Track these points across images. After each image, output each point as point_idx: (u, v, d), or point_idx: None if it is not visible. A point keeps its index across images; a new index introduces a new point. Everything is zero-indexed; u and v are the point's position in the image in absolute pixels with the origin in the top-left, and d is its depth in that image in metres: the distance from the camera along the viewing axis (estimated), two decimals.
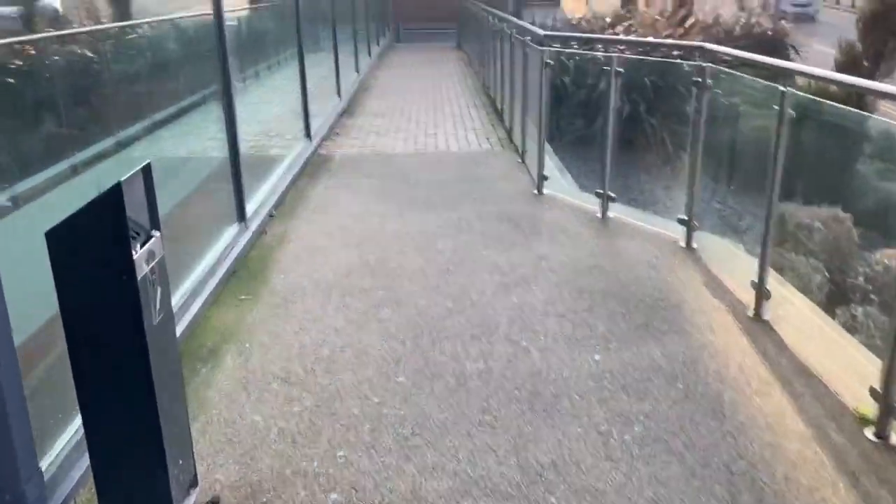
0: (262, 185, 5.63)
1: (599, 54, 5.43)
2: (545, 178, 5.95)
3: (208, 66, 4.50)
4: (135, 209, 2.25)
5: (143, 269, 2.18)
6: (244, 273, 4.44)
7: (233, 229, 4.66)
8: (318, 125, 8.12)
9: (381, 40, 19.14)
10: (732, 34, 14.00)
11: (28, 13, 2.85)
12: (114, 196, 2.07)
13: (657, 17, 12.48)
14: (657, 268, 4.41)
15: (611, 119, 5.17)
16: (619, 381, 3.21)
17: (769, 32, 15.51)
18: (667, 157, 9.88)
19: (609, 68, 5.08)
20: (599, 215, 5.37)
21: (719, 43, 12.63)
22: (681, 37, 11.58)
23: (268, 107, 7.41)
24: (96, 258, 2.12)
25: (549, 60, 5.67)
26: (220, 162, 4.65)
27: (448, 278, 4.30)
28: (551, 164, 6.45)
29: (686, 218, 4.71)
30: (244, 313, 3.90)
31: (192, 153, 4.14)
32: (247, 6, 7.34)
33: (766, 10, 20.29)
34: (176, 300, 3.68)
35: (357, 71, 12.76)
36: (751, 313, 3.80)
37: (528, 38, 6.65)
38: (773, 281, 3.84)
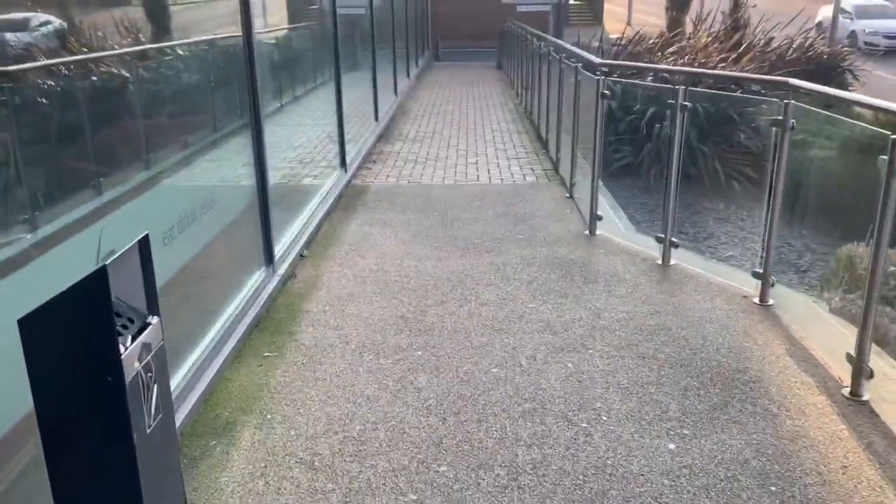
0: (292, 221, 5.25)
1: (664, 86, 4.97)
2: (599, 217, 5.47)
3: (236, 93, 4.14)
4: (128, 290, 1.85)
5: (133, 368, 1.77)
6: (269, 324, 4.04)
7: (258, 275, 4.27)
8: (354, 153, 7.75)
9: (420, 60, 18.87)
10: (784, 58, 13.38)
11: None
12: (98, 280, 1.67)
13: (708, 40, 11.92)
14: (730, 330, 3.90)
15: (675, 157, 4.68)
16: (700, 481, 2.71)
17: (825, 56, 14.86)
18: (720, 191, 9.35)
19: (674, 101, 4.60)
20: (660, 262, 4.87)
21: (772, 67, 12.07)
22: (733, 62, 11.02)
23: (303, 131, 7.07)
24: (76, 353, 1.72)
25: (605, 91, 5.21)
26: (247, 198, 4.27)
27: (493, 338, 3.85)
28: (603, 201, 5.98)
29: (761, 271, 4.20)
30: (267, 375, 3.49)
31: (216, 189, 3.77)
32: (281, 27, 7.02)
33: (824, 34, 19.40)
34: (191, 363, 3.28)
35: (395, 93, 12.44)
36: (846, 392, 3.27)
37: (580, 64, 6.20)
38: (872, 352, 3.32)
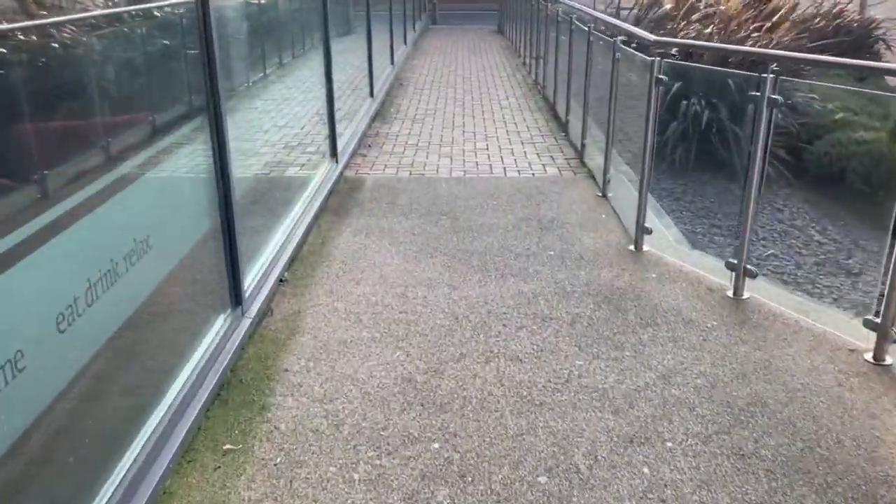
0: (270, 236, 4.22)
1: (746, 74, 3.93)
2: (647, 231, 4.46)
3: (185, 74, 3.09)
4: None
5: None
6: (235, 392, 3.04)
7: (222, 322, 3.26)
8: (347, 137, 6.68)
9: (416, 24, 17.59)
10: (809, 27, 12.22)
11: None
12: None
13: (740, 6, 10.75)
14: (847, 407, 2.93)
15: (758, 165, 3.66)
16: None
17: (854, 24, 13.74)
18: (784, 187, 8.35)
19: (757, 93, 3.57)
20: (730, 292, 3.89)
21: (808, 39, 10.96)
22: (767, 31, 9.90)
23: (288, 107, 6.00)
24: None
25: (661, 76, 4.16)
26: (203, 221, 3.23)
27: (535, 419, 2.86)
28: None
29: (878, 321, 3.22)
30: (227, 487, 2.51)
31: (153, 219, 2.75)
32: None
33: None
34: (117, 476, 2.30)
35: (392, 62, 11.28)
36: None
37: (619, 39, 5.12)
38: None
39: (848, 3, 13.99)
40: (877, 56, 13.43)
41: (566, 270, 4.22)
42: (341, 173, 6.01)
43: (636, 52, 4.88)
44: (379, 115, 8.60)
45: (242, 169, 4.32)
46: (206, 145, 3.13)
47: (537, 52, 10.65)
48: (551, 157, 6.78)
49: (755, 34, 9.79)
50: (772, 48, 9.29)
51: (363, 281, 4.09)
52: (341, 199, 5.52)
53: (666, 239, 4.72)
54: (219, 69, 3.08)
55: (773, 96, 3.53)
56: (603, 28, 6.52)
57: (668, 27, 10.80)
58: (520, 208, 5.30)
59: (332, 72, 5.92)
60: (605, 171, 5.50)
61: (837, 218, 7.08)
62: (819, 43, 10.44)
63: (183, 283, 3.06)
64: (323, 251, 4.53)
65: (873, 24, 13.58)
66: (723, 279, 4.03)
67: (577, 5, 8.70)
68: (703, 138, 7.80)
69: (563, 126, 7.73)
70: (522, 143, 7.28)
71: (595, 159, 6.47)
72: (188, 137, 3.13)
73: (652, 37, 4.59)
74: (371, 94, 8.51)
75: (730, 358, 3.29)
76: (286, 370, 3.20)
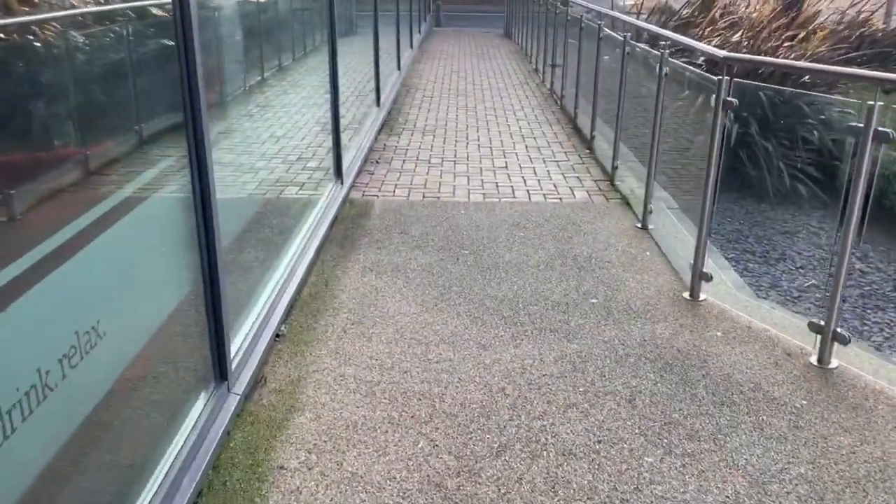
0: (263, 283, 3.57)
1: (845, 100, 3.29)
2: (707, 277, 3.82)
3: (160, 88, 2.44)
4: None
5: None
6: (215, 499, 2.39)
7: (200, 405, 2.60)
8: (352, 155, 6.03)
9: (422, 26, 16.95)
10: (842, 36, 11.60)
11: None
12: None
13: (771, 13, 10.08)
14: None
15: (857, 209, 3.02)
16: None
17: (879, 34, 13.14)
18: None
19: (860, 125, 2.94)
20: (814, 359, 3.25)
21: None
22: (801, 41, 9.27)
23: (287, 115, 5.35)
24: None
25: (731, 98, 3.51)
26: (181, 279, 2.58)
27: None
28: (688, 237, 4.32)
29: None
30: None
31: (114, 276, 2.10)
32: None
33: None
34: None
35: (399, 67, 10.64)
36: None
37: (668, 51, 4.48)
38: None
39: (873, 13, 13.39)
40: None
41: (614, 325, 3.58)
42: (347, 195, 5.36)
43: (690, 68, 4.25)
44: (386, 126, 7.96)
45: (233, 189, 3.69)
46: (184, 181, 2.48)
47: (553, 59, 10.01)
48: (578, 178, 6.13)
49: (787, 43, 9.17)
50: (808, 60, 8.67)
51: (375, 336, 3.44)
52: (347, 227, 4.87)
53: (724, 285, 4.08)
54: (201, 80, 2.43)
55: (883, 129, 2.89)
56: (646, 41, 5.89)
57: (692, 33, 10.17)
58: (551, 242, 4.65)
59: (338, 80, 5.27)
60: (647, 202, 4.85)
61: None
62: (846, 55, 9.83)
63: (150, 360, 2.41)
64: (327, 294, 3.88)
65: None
66: (802, 340, 3.39)
67: (604, 10, 8.08)
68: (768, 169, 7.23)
69: (588, 142, 7.08)
70: (545, 162, 6.63)
71: (625, 181, 5.84)
72: (158, 175, 2.47)
73: (721, 52, 3.93)
74: (378, 102, 7.87)
75: (832, 454, 2.65)
76: (281, 467, 2.55)
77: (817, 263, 5.95)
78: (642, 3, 14.37)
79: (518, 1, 16.79)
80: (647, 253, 4.50)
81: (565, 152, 6.98)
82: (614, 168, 5.90)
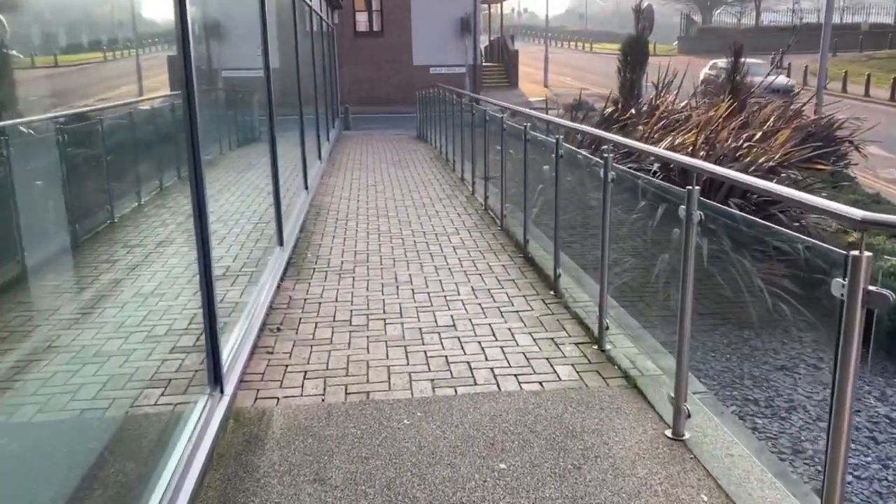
0: None
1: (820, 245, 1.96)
2: None
3: None
4: None
5: None
6: None
7: None
8: (238, 337, 4.22)
9: (330, 133, 15.58)
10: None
11: None
12: None
13: (721, 111, 9.08)
14: None
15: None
16: None
17: (812, 126, 12.57)
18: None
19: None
20: None
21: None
22: (759, 141, 8.27)
23: (143, 278, 3.58)
24: None
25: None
26: None
27: None
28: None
29: None
30: None
31: None
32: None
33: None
34: None
35: (306, 186, 9.05)
36: None
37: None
38: None
39: (804, 105, 12.92)
40: (844, 157, 12.22)
41: None
42: (229, 409, 3.55)
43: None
44: (292, 266, 6.26)
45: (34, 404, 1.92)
46: None
47: (485, 171, 8.67)
48: (552, 340, 4.56)
49: (746, 144, 8.15)
50: (779, 161, 7.63)
51: None
52: (224, 477, 3.06)
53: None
54: None
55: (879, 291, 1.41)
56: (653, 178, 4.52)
57: (638, 134, 9.09)
58: (551, 481, 2.99)
59: (208, 236, 3.54)
60: (679, 394, 3.29)
61: None
62: (814, 152, 8.92)
63: None
64: None
65: (835, 125, 12.43)
66: None
67: (547, 117, 6.83)
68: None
69: (550, 282, 5.58)
70: (502, 314, 5.06)
71: (617, 343, 4.32)
72: None
73: (858, 213, 2.40)
74: (280, 241, 6.16)
75: None
76: None
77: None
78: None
79: (431, 101, 15.74)
80: (705, 498, 2.89)
81: (524, 296, 5.43)
82: (602, 328, 4.36)
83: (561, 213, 5.58)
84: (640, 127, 9.16)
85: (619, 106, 12.84)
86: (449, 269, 6.20)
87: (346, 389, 3.89)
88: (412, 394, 3.82)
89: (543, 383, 3.93)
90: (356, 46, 28.58)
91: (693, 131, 8.20)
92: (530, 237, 6.52)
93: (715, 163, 7.53)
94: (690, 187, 3.02)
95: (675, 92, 11.60)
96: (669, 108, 9.92)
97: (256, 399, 3.78)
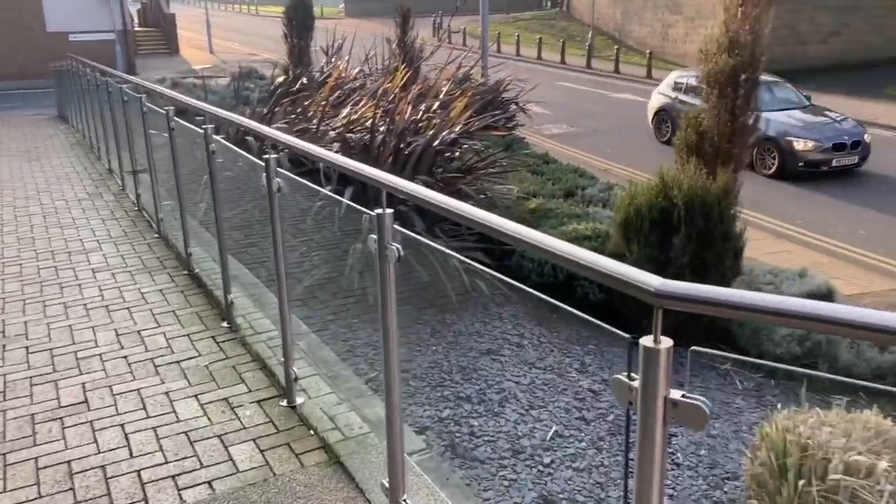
0: None
1: None
2: None
3: None
4: None
5: None
6: None
7: None
8: None
9: None
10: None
11: None
12: None
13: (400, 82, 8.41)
14: None
15: None
16: None
17: (482, 88, 12.80)
18: None
19: None
20: None
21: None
22: (440, 110, 7.83)
23: None
24: None
25: None
26: None
27: None
28: None
29: None
30: None
31: None
32: None
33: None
34: None
35: None
36: None
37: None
38: None
39: (472, 67, 13.04)
40: (512, 119, 12.58)
41: None
42: None
43: None
44: None
45: None
46: None
47: (132, 163, 7.04)
48: (228, 403, 3.41)
49: (426, 116, 7.64)
50: (461, 133, 7.22)
51: None
52: None
53: None
54: None
55: None
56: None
57: (307, 110, 8.12)
58: None
59: None
60: (395, 485, 2.41)
61: None
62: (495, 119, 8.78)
63: None
64: None
65: (502, 87, 12.73)
66: None
67: (194, 102, 5.54)
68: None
69: (223, 309, 4.41)
70: (157, 369, 3.76)
71: (312, 394, 3.37)
72: None
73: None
74: None
75: None
76: None
77: None
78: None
79: (69, 76, 13.13)
80: None
81: (189, 335, 4.18)
82: (291, 379, 3.34)
83: (228, 212, 4.43)
84: (312, 105, 8.19)
85: (290, 74, 11.78)
86: (85, 305, 4.67)
87: None
88: None
89: (214, 483, 2.82)
90: None
91: (371, 105, 7.47)
92: (195, 246, 5.24)
93: (398, 138, 6.90)
94: (381, 211, 2.11)
95: (346, 58, 10.84)
96: (342, 76, 9.10)
97: None
